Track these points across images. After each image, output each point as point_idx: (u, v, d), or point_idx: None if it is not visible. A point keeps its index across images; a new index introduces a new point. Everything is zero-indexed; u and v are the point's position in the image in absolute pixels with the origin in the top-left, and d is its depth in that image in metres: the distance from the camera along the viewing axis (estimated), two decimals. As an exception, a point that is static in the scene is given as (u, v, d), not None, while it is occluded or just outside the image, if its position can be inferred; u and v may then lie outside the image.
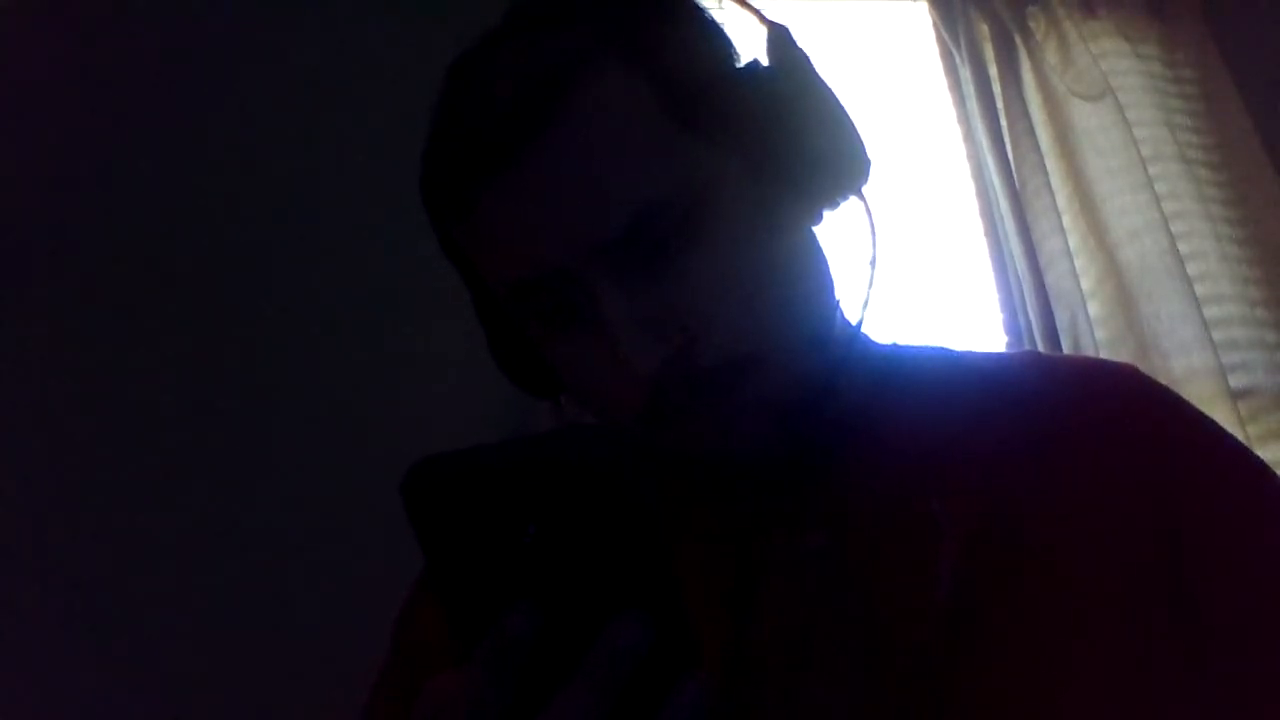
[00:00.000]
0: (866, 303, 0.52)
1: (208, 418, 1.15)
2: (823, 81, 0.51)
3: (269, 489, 1.12)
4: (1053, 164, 1.57)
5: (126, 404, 1.12)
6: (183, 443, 1.13)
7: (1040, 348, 1.49)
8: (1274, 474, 0.50)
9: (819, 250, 0.53)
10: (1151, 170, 1.57)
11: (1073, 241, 1.53)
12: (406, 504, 0.33)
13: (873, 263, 0.52)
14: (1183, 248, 1.54)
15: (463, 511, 0.33)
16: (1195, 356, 1.46)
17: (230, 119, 1.26)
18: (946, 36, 1.65)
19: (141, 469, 1.10)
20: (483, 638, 0.33)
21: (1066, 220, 1.54)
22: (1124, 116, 1.58)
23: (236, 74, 1.27)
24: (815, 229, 0.53)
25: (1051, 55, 1.64)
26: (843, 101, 0.51)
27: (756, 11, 0.52)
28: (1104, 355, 1.45)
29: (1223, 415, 1.41)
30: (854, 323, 0.53)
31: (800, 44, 0.51)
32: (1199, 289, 1.51)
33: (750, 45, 0.51)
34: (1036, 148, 1.57)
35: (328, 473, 1.14)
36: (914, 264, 1.52)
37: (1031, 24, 1.65)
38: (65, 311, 1.13)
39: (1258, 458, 0.51)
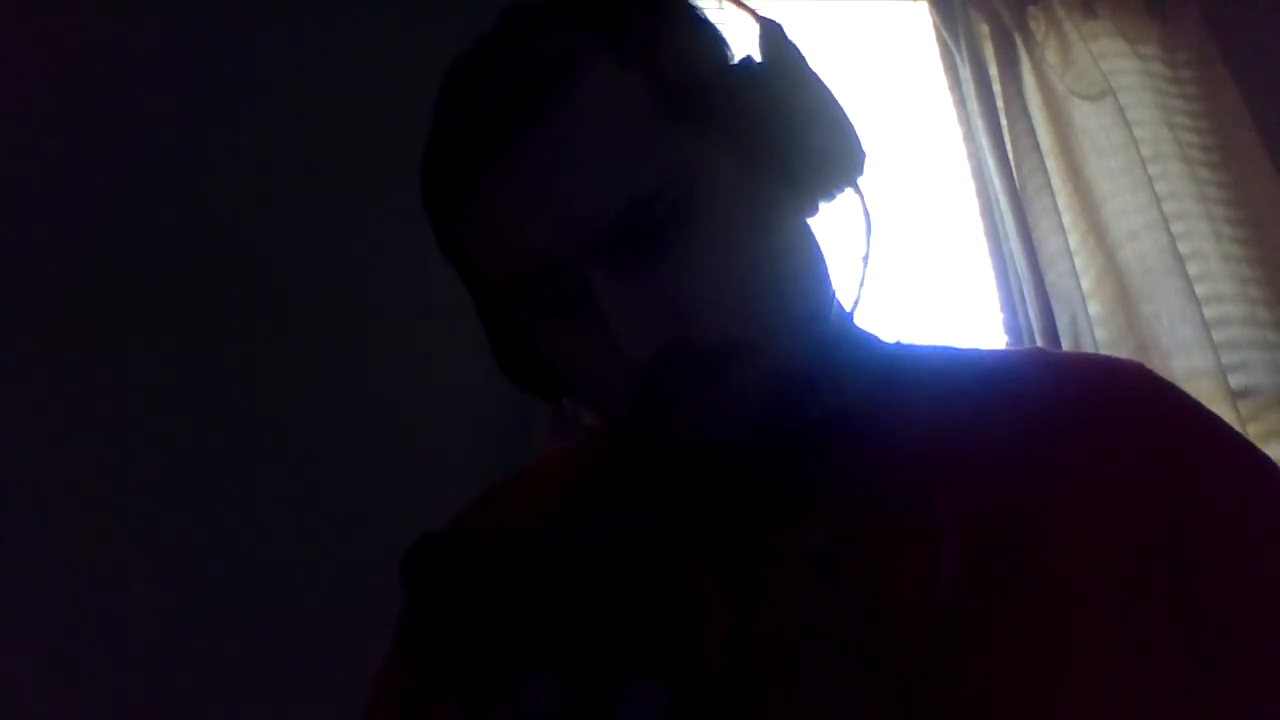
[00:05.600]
0: (859, 295, 0.52)
1: (209, 418, 1.15)
2: (816, 76, 0.51)
3: (269, 488, 1.13)
4: (1053, 164, 1.57)
5: (126, 405, 1.12)
6: (183, 443, 1.13)
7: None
8: (1278, 469, 0.50)
9: (814, 243, 0.53)
10: (1151, 170, 1.56)
11: (1073, 241, 1.53)
12: (409, 584, 0.32)
13: (866, 256, 0.52)
14: (1183, 248, 1.53)
15: (474, 587, 0.32)
16: (1195, 356, 1.46)
17: (232, 121, 1.26)
18: (946, 36, 1.65)
19: (141, 469, 1.11)
20: (497, 709, 0.31)
21: (1066, 220, 1.54)
22: (1124, 117, 1.58)
23: (238, 77, 1.27)
24: (811, 222, 0.53)
25: (1051, 55, 1.64)
26: (836, 96, 0.51)
27: (749, 9, 0.52)
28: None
29: (1223, 415, 1.39)
30: (849, 314, 0.53)
31: (793, 40, 0.51)
32: (1199, 289, 1.51)
33: (745, 43, 0.52)
34: (1036, 148, 1.57)
35: (329, 472, 1.15)
36: (914, 263, 1.52)
37: (1031, 24, 1.66)
38: (65, 313, 1.13)
39: (1263, 453, 0.51)
